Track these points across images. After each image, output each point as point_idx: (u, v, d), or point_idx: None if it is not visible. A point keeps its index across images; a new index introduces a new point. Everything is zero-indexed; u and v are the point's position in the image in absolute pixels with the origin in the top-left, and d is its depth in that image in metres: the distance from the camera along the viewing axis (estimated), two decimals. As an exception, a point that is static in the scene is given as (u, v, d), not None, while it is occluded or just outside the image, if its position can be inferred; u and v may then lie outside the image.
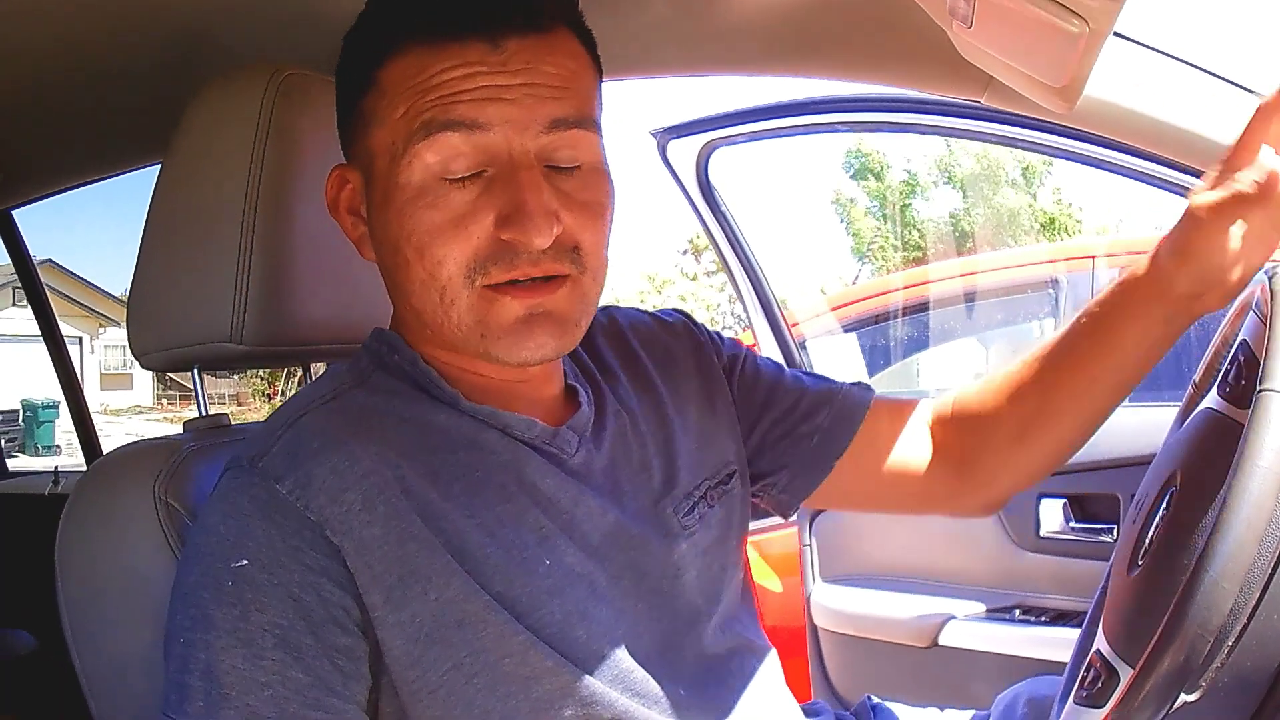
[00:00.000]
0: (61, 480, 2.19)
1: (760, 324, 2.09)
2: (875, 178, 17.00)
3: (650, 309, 0.99)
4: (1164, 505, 0.76)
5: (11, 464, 2.90)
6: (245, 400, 20.93)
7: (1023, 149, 2.02)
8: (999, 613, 1.62)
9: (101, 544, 0.83)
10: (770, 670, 0.88)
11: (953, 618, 1.64)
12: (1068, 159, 1.41)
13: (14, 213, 2.12)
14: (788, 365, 1.02)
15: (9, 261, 2.26)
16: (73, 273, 21.08)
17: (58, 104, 1.31)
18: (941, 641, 1.64)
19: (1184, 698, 0.59)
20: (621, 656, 0.73)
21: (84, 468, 2.07)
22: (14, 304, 17.63)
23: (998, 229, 15.93)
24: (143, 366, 0.97)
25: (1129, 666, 0.67)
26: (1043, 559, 1.61)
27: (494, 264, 0.70)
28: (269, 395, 19.21)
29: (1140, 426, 1.36)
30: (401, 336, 0.79)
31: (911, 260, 16.49)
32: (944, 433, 0.96)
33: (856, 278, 16.64)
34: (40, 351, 2.37)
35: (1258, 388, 0.62)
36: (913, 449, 0.96)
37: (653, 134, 1.95)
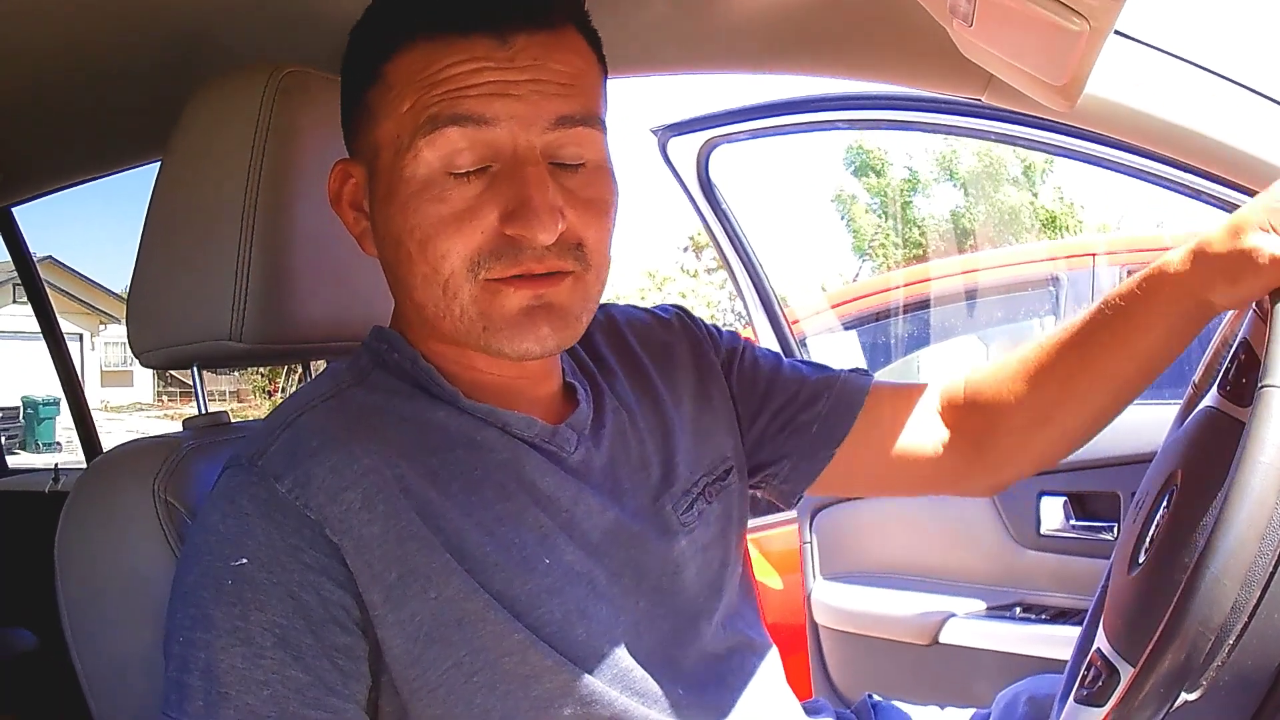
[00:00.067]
0: (62, 478, 2.19)
1: (760, 321, 2.09)
2: (876, 175, 16.99)
3: (648, 306, 0.99)
4: (1165, 504, 0.76)
5: (12, 461, 2.90)
6: (246, 397, 20.93)
7: (1023, 147, 2.02)
8: (999, 610, 1.62)
9: (101, 542, 0.83)
10: (771, 668, 0.88)
11: (953, 615, 1.64)
12: (1069, 157, 1.41)
13: (14, 210, 2.12)
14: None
15: (9, 258, 2.26)
16: (73, 269, 21.13)
17: (58, 103, 1.30)
18: (942, 639, 1.64)
19: (1185, 696, 0.59)
20: (621, 655, 0.73)
21: (84, 465, 2.08)
22: (14, 301, 17.64)
23: (999, 226, 15.93)
24: (142, 365, 0.97)
25: (1130, 665, 0.68)
26: (1043, 557, 1.61)
27: (497, 259, 0.70)
28: (269, 392, 19.21)
29: (1141, 424, 1.36)
30: (402, 334, 0.79)
31: (912, 257, 16.46)
32: (955, 416, 0.96)
33: (857, 275, 16.65)
34: (41, 348, 2.37)
35: (1259, 384, 0.62)
36: (919, 432, 0.95)
37: (653, 131, 1.95)
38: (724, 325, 1.02)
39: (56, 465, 2.28)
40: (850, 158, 16.80)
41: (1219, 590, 0.57)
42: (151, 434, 0.95)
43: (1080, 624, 0.89)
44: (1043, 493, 1.59)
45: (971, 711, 1.05)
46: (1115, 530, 1.51)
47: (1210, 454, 0.72)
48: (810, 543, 1.87)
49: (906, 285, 3.24)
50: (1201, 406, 0.78)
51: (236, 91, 0.90)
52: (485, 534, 0.70)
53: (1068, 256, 3.11)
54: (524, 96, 0.70)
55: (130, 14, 1.05)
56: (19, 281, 2.39)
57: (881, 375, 0.98)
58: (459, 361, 0.77)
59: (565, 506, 0.75)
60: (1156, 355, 0.84)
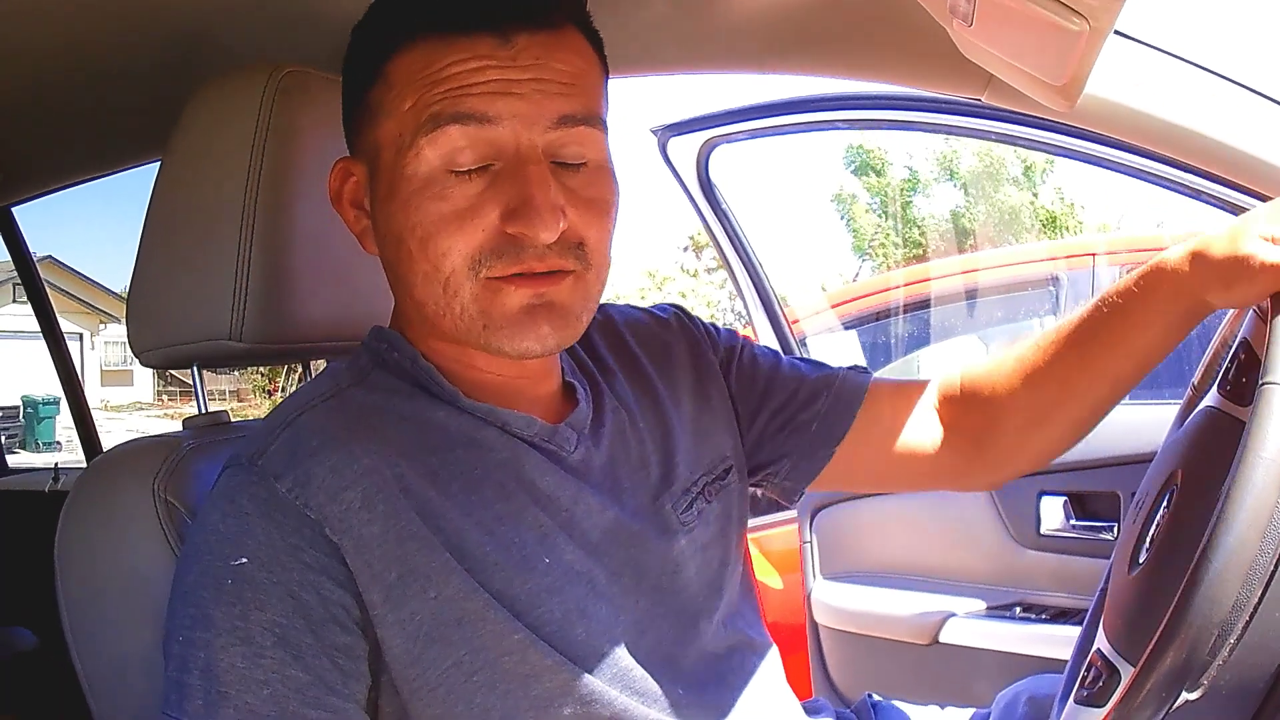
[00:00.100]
0: (62, 477, 2.19)
1: (761, 321, 2.09)
2: (876, 174, 16.98)
3: (647, 305, 0.99)
4: (1165, 503, 0.76)
5: (12, 460, 2.90)
6: (245, 396, 20.92)
7: (1023, 147, 2.02)
8: (999, 610, 1.62)
9: (101, 542, 0.83)
10: (771, 668, 0.88)
11: (953, 615, 1.64)
12: (1069, 157, 1.41)
13: (14, 209, 2.11)
14: (785, 357, 1.02)
15: (9, 258, 2.26)
16: (73, 269, 21.11)
17: (58, 103, 1.30)
18: (942, 639, 1.64)
19: (1185, 696, 0.59)
20: (621, 654, 0.73)
21: (84, 465, 2.08)
22: (14, 300, 17.64)
23: (999, 226, 15.92)
24: (142, 364, 0.97)
25: (1130, 665, 0.68)
26: (1043, 557, 1.61)
27: (498, 258, 0.70)
28: (269, 391, 19.21)
29: (1141, 424, 1.36)
30: (402, 333, 0.79)
31: (912, 257, 16.46)
32: (954, 413, 0.96)
33: (857, 275, 16.65)
34: (41, 347, 2.37)
35: (1260, 381, 0.62)
36: (918, 429, 0.95)
37: (653, 131, 1.95)
38: (724, 325, 1.02)
39: (56, 465, 2.28)
40: (850, 157, 16.81)
41: (1220, 587, 0.57)
42: (151, 433, 0.95)
43: (1080, 624, 0.89)
44: (1043, 492, 1.59)
45: (971, 711, 1.05)
46: (1115, 530, 1.51)
47: (1210, 453, 0.72)
48: (810, 542, 1.87)
49: (906, 285, 3.25)
50: (1201, 406, 0.78)
51: (236, 91, 0.90)
52: (485, 533, 0.70)
53: (1068, 256, 3.11)
54: (526, 95, 0.70)
55: (130, 14, 1.05)
56: (19, 281, 2.39)
57: (881, 375, 0.98)
58: (459, 361, 0.77)
59: (565, 506, 0.75)
60: (1154, 352, 0.85)
